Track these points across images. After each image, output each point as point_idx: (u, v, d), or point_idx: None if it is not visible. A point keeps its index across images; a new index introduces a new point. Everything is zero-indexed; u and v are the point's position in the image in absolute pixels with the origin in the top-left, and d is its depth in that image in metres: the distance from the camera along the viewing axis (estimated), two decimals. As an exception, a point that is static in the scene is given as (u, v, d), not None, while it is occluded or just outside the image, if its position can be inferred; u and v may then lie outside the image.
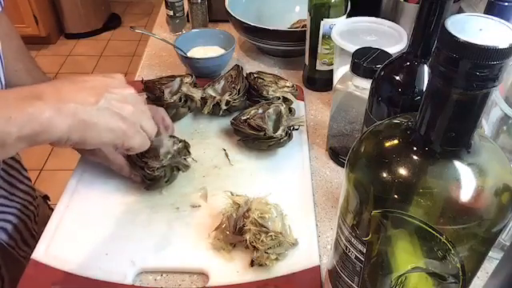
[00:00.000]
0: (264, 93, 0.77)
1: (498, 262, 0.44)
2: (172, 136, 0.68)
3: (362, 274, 0.39)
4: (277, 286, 0.55)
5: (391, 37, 0.73)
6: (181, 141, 0.68)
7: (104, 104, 0.48)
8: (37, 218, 0.77)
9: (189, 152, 0.69)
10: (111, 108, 0.48)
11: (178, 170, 0.67)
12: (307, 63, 0.87)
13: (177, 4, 1.02)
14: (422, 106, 0.32)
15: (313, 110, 0.85)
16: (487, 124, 0.53)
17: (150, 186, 0.65)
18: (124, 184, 0.67)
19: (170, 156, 0.65)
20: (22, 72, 0.71)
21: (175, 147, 0.67)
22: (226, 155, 0.73)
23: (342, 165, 0.72)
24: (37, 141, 0.44)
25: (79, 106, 0.45)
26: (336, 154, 0.73)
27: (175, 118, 0.77)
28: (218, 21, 1.10)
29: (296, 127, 0.73)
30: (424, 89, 0.41)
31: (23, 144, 0.43)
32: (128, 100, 0.50)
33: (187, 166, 0.68)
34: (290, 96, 0.77)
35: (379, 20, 0.76)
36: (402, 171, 0.33)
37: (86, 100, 0.46)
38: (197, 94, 0.77)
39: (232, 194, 0.61)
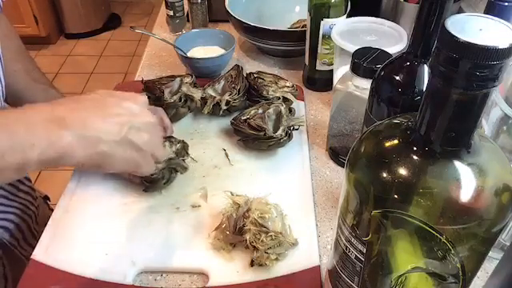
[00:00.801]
0: (264, 93, 0.77)
1: (498, 261, 0.44)
2: (170, 136, 0.68)
3: (362, 273, 0.39)
4: (277, 285, 0.55)
5: (391, 37, 0.73)
6: (179, 141, 0.68)
7: (126, 136, 0.48)
8: (38, 217, 0.77)
9: (187, 153, 0.69)
10: (130, 139, 0.48)
11: (176, 171, 0.67)
12: (307, 63, 0.87)
13: (177, 4, 1.02)
14: (421, 106, 0.32)
15: (313, 110, 0.85)
16: (487, 124, 0.53)
17: (149, 188, 0.65)
18: (124, 184, 0.67)
19: (168, 158, 0.65)
20: (20, 72, 0.71)
21: (173, 148, 0.67)
22: (226, 155, 0.73)
23: (342, 165, 0.72)
24: (51, 165, 0.44)
25: (102, 138, 0.46)
26: (336, 154, 0.73)
27: (175, 118, 0.77)
28: (218, 21, 1.10)
29: (296, 127, 0.73)
30: (424, 89, 0.41)
31: (39, 167, 0.44)
32: (146, 128, 0.50)
33: (185, 168, 0.68)
34: (290, 96, 0.77)
35: (379, 20, 0.76)
36: (402, 171, 0.33)
37: (109, 131, 0.46)
38: (197, 94, 0.77)
39: (232, 194, 0.61)
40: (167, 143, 0.67)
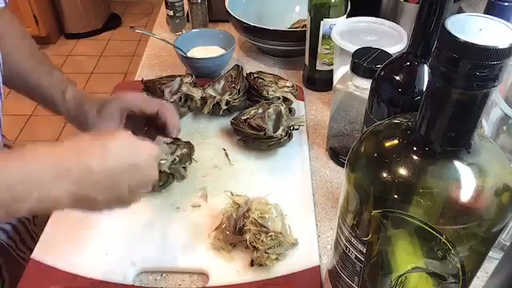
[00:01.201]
0: (264, 93, 0.77)
1: (498, 261, 0.44)
2: (177, 139, 0.67)
3: (362, 273, 0.39)
4: (277, 285, 0.55)
5: (391, 37, 0.73)
6: (185, 145, 0.67)
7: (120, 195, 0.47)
8: (36, 219, 0.77)
9: (191, 159, 0.68)
10: (120, 197, 0.47)
11: (173, 177, 0.66)
12: (307, 63, 0.87)
13: (177, 4, 1.02)
14: (421, 106, 0.32)
15: (313, 110, 0.85)
16: (487, 124, 0.53)
17: None
18: (124, 184, 0.67)
19: (169, 162, 0.64)
20: (24, 56, 0.69)
21: (178, 153, 0.66)
22: (226, 155, 0.73)
23: (342, 165, 0.72)
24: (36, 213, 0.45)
25: (97, 198, 0.45)
26: (336, 154, 0.73)
27: (175, 117, 0.77)
28: (218, 21, 1.10)
29: (296, 127, 0.73)
30: (424, 89, 0.41)
31: (27, 214, 0.44)
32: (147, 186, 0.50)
33: (183, 177, 0.67)
34: (290, 96, 0.77)
35: (379, 20, 0.76)
36: (402, 171, 0.33)
37: (106, 194, 0.46)
38: (197, 93, 0.77)
39: (232, 194, 0.61)
40: (173, 146, 0.66)
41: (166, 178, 0.65)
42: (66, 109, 0.66)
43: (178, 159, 0.65)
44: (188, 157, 0.67)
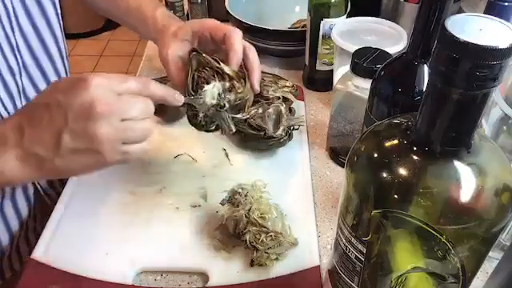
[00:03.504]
0: (264, 93, 0.77)
1: (498, 261, 0.44)
2: (218, 72, 0.55)
3: (362, 273, 0.39)
4: (277, 285, 0.55)
5: (391, 37, 0.73)
6: (246, 92, 0.52)
7: (66, 146, 0.40)
8: (36, 221, 0.77)
9: (245, 109, 0.55)
10: (76, 147, 0.41)
11: (217, 127, 0.55)
12: (307, 63, 0.87)
13: (177, 4, 1.02)
14: (422, 106, 0.32)
15: (313, 109, 0.85)
16: (487, 124, 0.53)
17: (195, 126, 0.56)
18: (124, 184, 0.67)
19: (210, 104, 0.53)
20: None
21: (232, 96, 0.51)
22: (226, 155, 0.73)
23: (342, 165, 0.72)
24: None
25: (41, 156, 0.41)
26: (336, 154, 0.73)
27: (175, 117, 0.77)
28: (218, 21, 1.10)
29: (296, 127, 0.73)
30: (424, 89, 0.41)
31: None
32: (99, 119, 0.40)
33: (230, 129, 0.54)
34: (290, 96, 0.77)
35: (379, 20, 0.76)
36: (402, 171, 0.33)
37: (46, 147, 0.41)
38: (197, 93, 0.77)
39: (232, 194, 0.61)
40: (226, 84, 0.54)
41: (204, 124, 0.55)
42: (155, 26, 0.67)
43: (227, 105, 0.51)
44: (244, 107, 0.53)
